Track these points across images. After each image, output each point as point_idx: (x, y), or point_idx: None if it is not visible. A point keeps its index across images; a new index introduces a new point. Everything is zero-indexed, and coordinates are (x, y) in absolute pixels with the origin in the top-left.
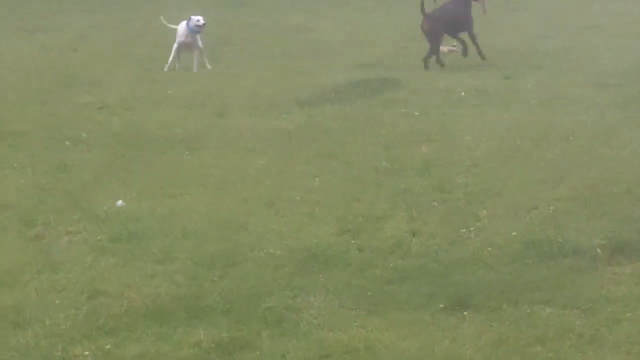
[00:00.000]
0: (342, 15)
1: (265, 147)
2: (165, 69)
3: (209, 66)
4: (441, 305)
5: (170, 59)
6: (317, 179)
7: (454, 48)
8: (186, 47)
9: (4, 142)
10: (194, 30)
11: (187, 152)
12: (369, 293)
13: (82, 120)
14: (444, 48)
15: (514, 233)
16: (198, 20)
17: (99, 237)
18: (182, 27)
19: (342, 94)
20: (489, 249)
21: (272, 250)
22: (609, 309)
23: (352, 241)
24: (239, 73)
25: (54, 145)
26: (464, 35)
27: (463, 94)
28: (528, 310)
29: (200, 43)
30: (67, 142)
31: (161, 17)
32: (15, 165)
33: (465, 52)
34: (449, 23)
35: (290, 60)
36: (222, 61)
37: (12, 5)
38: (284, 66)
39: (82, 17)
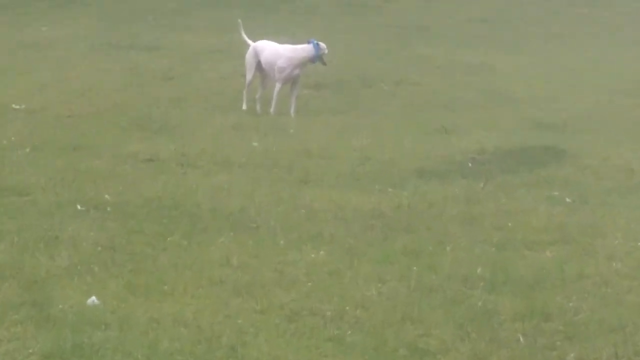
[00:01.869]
0: (542, 52)
1: (336, 235)
2: (273, 111)
3: (292, 112)
4: None
5: (276, 98)
6: (379, 286)
7: None
8: (290, 80)
9: None
10: (314, 60)
11: (232, 234)
12: None
13: (116, 177)
14: None
15: None
16: (325, 49)
17: (31, 350)
18: (296, 53)
19: (485, 165)
20: None
21: None
22: None
23: None
24: (364, 126)
25: (59, 211)
26: None
27: None
28: None
29: None
30: (79, 207)
31: (239, 22)
32: None
33: None
34: None
35: (448, 111)
36: (357, 108)
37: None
38: (433, 120)
39: (196, 35)
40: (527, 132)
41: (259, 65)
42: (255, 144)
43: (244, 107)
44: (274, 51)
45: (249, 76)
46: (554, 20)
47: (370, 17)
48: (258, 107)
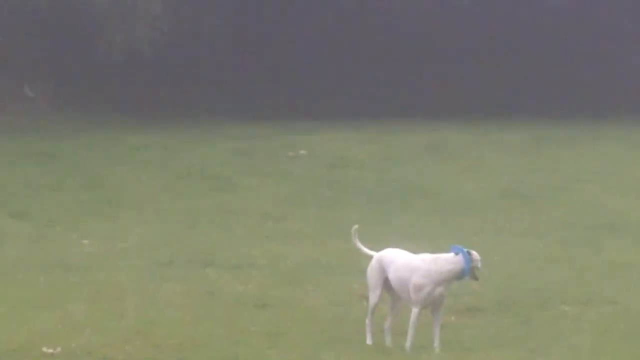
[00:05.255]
0: None
1: None
2: (408, 346)
3: (436, 346)
4: None
5: (412, 329)
6: None
7: None
8: (431, 303)
9: None
10: (463, 275)
11: None
12: None
13: None
14: None
15: None
16: (478, 260)
17: None
18: (439, 265)
19: None
20: None
21: None
22: None
23: None
24: None
25: None
26: None
27: None
28: None
29: None
30: None
31: (354, 229)
32: None
33: None
34: None
35: None
36: (530, 339)
37: None
38: None
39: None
40: None
41: (386, 283)
42: None
43: (368, 341)
44: (406, 263)
45: (373, 298)
46: None
47: (544, 212)
48: (388, 340)
